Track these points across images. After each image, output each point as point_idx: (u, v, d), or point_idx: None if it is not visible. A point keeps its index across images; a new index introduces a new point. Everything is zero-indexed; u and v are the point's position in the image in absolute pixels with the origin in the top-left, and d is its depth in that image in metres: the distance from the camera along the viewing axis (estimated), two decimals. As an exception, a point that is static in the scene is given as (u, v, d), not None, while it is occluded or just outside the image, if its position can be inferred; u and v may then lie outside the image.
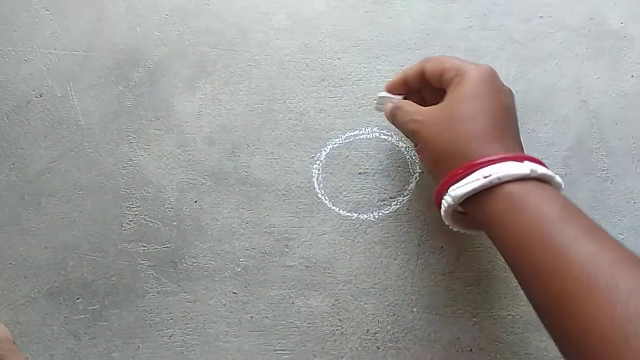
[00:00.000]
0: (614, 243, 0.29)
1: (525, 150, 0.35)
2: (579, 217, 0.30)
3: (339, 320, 0.42)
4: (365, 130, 0.45)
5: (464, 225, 0.36)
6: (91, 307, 0.44)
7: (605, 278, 0.26)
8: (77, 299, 0.44)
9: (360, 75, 0.46)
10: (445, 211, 0.35)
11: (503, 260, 0.42)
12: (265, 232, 0.44)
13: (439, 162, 0.35)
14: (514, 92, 0.37)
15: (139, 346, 0.43)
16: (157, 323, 0.43)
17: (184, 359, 0.42)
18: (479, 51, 0.46)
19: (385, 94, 0.41)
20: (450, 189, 0.33)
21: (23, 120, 0.47)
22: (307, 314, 0.43)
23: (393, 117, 0.40)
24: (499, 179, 0.31)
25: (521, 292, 0.42)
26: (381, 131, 0.45)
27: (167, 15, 0.48)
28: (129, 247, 0.44)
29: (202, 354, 0.42)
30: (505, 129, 0.34)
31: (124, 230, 0.45)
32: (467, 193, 0.32)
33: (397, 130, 0.45)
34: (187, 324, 0.43)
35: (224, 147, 0.46)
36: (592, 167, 0.44)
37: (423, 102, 0.39)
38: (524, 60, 0.46)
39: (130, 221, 0.45)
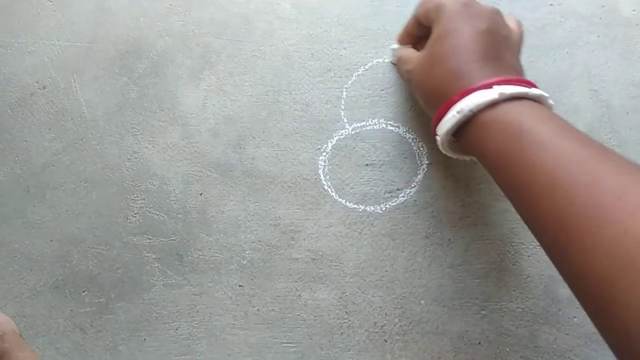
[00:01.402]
0: (581, 142, 0.29)
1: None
2: (546, 123, 0.31)
3: (346, 313, 0.42)
4: (372, 121, 0.45)
5: (462, 152, 0.38)
6: (97, 300, 0.43)
7: (566, 178, 0.28)
8: (83, 292, 0.44)
9: (366, 66, 0.46)
10: (441, 147, 0.36)
11: (512, 252, 0.42)
12: (271, 224, 0.44)
13: (429, 104, 0.37)
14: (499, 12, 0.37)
15: (145, 339, 0.43)
16: (163, 316, 0.43)
17: (190, 351, 0.42)
18: (487, 40, 0.46)
19: (395, 46, 0.44)
20: (437, 129, 0.35)
21: (27, 112, 0.47)
22: (313, 306, 0.42)
23: (398, 70, 0.43)
24: (470, 110, 0.32)
25: (530, 284, 0.42)
26: (388, 122, 0.45)
27: (170, 5, 0.48)
28: (135, 239, 0.44)
29: (209, 347, 0.42)
30: (483, 55, 0.34)
31: (130, 222, 0.44)
32: (448, 130, 0.34)
33: (404, 121, 0.45)
34: (193, 316, 0.43)
35: (229, 139, 0.45)
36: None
37: None
38: (533, 49, 0.45)
39: (135, 214, 0.44)
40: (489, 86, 0.33)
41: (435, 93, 0.35)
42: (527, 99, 0.33)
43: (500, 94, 0.32)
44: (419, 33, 0.41)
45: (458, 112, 0.33)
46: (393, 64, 0.45)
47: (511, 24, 0.38)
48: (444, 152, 0.37)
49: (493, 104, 0.32)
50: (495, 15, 0.36)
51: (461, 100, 0.33)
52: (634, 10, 0.45)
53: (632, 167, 0.27)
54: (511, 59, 0.36)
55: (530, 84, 0.34)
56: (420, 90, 0.38)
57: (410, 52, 0.41)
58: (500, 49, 0.35)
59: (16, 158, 0.46)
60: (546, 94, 0.34)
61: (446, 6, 0.36)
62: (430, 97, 0.36)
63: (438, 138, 0.36)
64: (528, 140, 0.30)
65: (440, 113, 0.35)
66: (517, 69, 0.36)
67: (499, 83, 0.33)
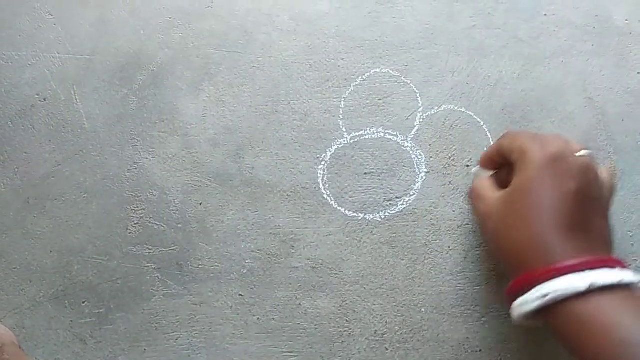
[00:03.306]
0: None
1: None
2: None
3: (347, 321, 0.42)
4: (370, 130, 0.45)
5: (536, 322, 0.34)
6: (97, 311, 0.43)
7: None
8: (83, 302, 0.44)
9: (364, 76, 0.46)
10: (514, 319, 0.33)
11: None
12: (270, 233, 0.44)
13: (502, 260, 0.35)
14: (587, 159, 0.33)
15: (145, 349, 0.43)
16: (163, 326, 0.43)
17: (191, 362, 0.42)
18: (483, 50, 0.46)
19: (477, 169, 0.41)
20: (514, 304, 0.32)
21: (27, 124, 0.47)
22: (314, 315, 0.42)
23: (469, 199, 0.40)
24: (556, 299, 0.30)
25: (530, 291, 0.42)
26: (386, 131, 0.45)
27: (170, 18, 0.48)
28: (135, 250, 0.44)
29: (209, 357, 0.42)
30: (569, 224, 0.31)
31: (129, 233, 0.44)
32: (528, 312, 0.31)
33: (402, 129, 0.45)
34: (194, 326, 0.43)
35: (229, 149, 0.46)
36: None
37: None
38: (528, 58, 0.46)
39: (135, 224, 0.44)
40: (577, 268, 0.30)
41: (512, 255, 0.33)
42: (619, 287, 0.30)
43: (592, 285, 0.29)
44: (501, 161, 0.37)
45: (543, 296, 0.30)
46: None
47: (604, 174, 0.35)
48: (516, 323, 0.33)
49: (584, 293, 0.29)
50: (587, 173, 0.32)
51: (546, 283, 0.30)
52: (626, 20, 0.46)
53: None
54: (601, 225, 0.32)
55: (620, 264, 0.31)
56: (494, 244, 0.35)
57: (487, 187, 0.37)
58: (590, 214, 0.32)
59: (16, 169, 0.46)
60: (636, 279, 0.30)
61: (531, 155, 0.32)
62: (506, 256, 0.34)
63: (514, 316, 0.33)
64: (634, 352, 0.27)
65: (519, 284, 0.32)
66: (606, 237, 0.33)
67: (588, 264, 0.30)
